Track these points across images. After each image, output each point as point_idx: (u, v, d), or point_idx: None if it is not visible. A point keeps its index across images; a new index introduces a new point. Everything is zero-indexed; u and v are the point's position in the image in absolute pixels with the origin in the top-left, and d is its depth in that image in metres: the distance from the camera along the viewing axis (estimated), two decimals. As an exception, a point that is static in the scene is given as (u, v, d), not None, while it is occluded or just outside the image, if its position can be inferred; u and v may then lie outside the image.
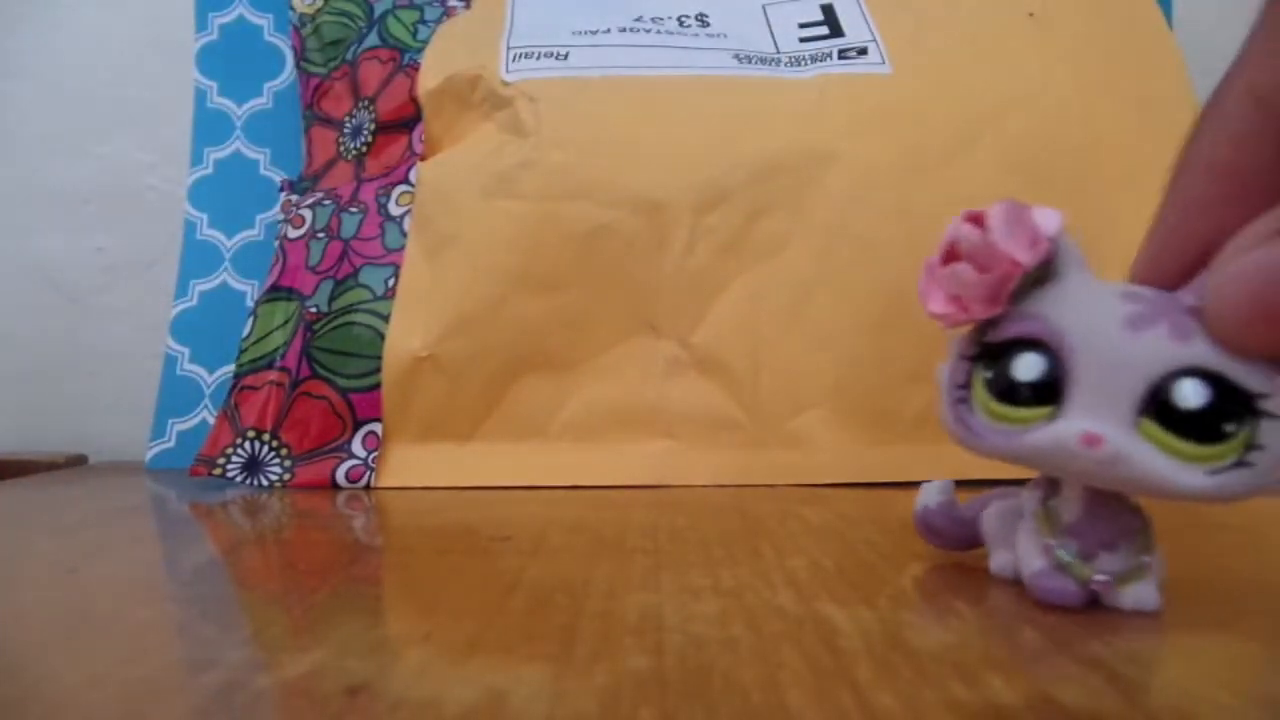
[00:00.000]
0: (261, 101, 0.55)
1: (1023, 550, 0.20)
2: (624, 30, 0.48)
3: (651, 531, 0.27)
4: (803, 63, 0.47)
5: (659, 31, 0.48)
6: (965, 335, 0.19)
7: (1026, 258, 0.17)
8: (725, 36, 0.48)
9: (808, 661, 0.15)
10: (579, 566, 0.23)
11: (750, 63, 0.46)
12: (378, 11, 0.52)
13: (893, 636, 0.17)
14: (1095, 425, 0.17)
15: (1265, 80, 0.17)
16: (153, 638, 0.18)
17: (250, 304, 0.50)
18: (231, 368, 0.45)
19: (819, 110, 0.44)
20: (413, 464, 0.41)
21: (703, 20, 0.49)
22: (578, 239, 0.41)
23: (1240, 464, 0.16)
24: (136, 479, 0.45)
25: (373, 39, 0.51)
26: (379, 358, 0.41)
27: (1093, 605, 0.19)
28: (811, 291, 0.41)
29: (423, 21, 0.52)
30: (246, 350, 0.45)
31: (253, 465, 0.41)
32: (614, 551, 0.25)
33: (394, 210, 0.46)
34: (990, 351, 0.19)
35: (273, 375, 0.43)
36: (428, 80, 0.47)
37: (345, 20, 0.53)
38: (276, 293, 0.46)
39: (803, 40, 0.48)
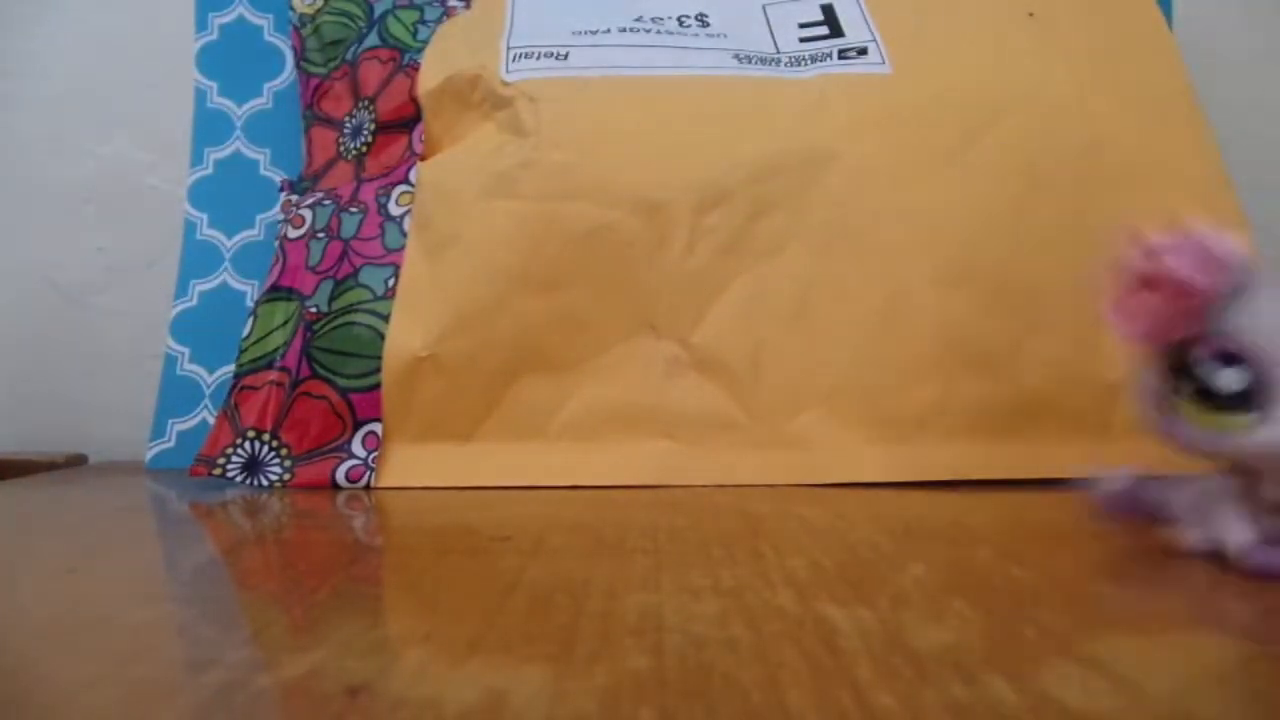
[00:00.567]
0: (261, 101, 0.55)
1: (1229, 527, 0.22)
2: (624, 30, 0.48)
3: (651, 531, 0.27)
4: (803, 63, 0.47)
5: (659, 31, 0.48)
6: (1162, 348, 0.23)
7: (1215, 284, 0.21)
8: (725, 36, 0.48)
9: (808, 661, 0.15)
10: (579, 566, 0.23)
11: (750, 63, 0.46)
12: (378, 11, 0.52)
13: (893, 636, 0.17)
14: None
15: None
16: (153, 638, 0.18)
17: (250, 304, 0.50)
18: (231, 368, 0.45)
19: (819, 110, 0.44)
20: (413, 464, 0.41)
21: (703, 20, 0.49)
22: (578, 239, 0.41)
23: None
24: (136, 479, 0.45)
25: (373, 39, 0.51)
26: (379, 358, 0.41)
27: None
28: (811, 291, 0.41)
29: (423, 21, 0.52)
30: (246, 350, 0.45)
31: (253, 465, 0.41)
32: (614, 551, 0.25)
33: (394, 210, 0.46)
34: (1187, 363, 0.22)
35: (273, 375, 0.43)
36: (428, 80, 0.47)
37: (345, 20, 0.53)
38: (276, 293, 0.46)
39: (803, 40, 0.48)
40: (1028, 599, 0.19)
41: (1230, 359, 0.21)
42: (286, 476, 0.41)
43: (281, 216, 0.49)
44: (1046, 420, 0.39)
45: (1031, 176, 0.42)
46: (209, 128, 0.54)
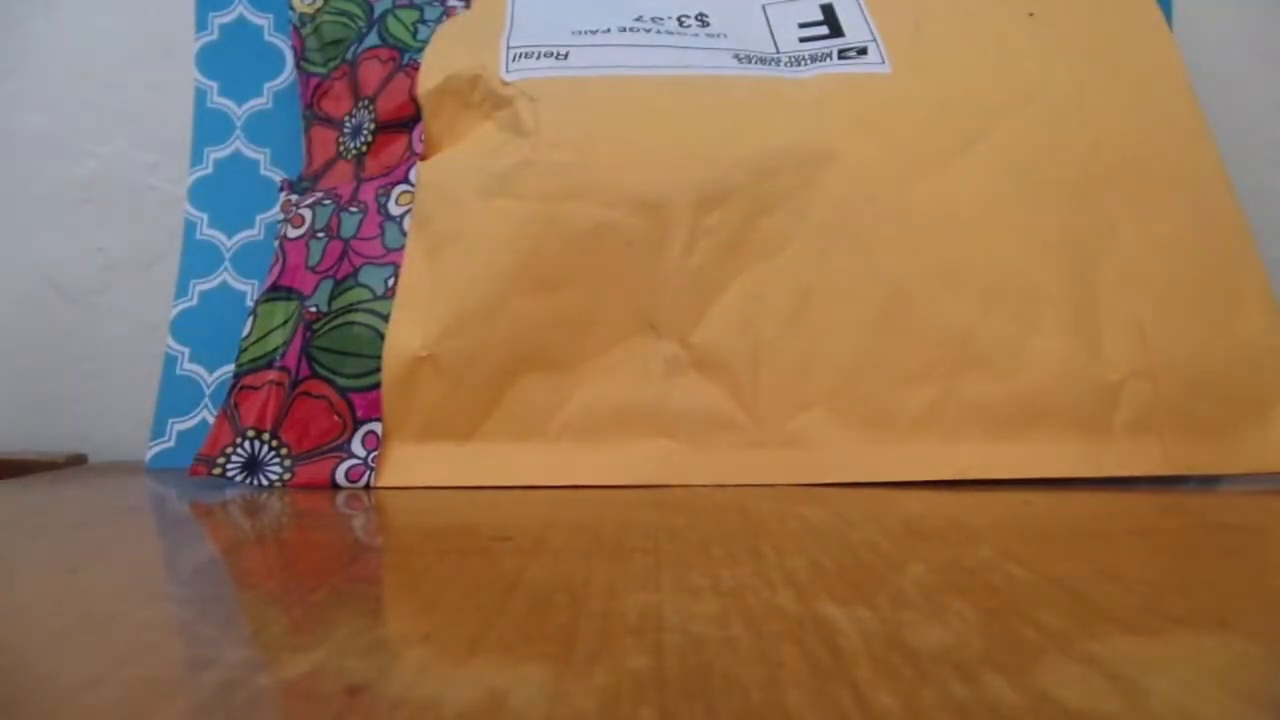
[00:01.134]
0: (261, 101, 0.55)
1: None
2: (624, 30, 0.48)
3: (651, 531, 0.27)
4: (803, 63, 0.47)
5: (659, 31, 0.48)
6: None
7: None
8: (725, 36, 0.48)
9: (808, 661, 0.15)
10: (579, 566, 0.23)
11: (750, 63, 0.46)
12: (378, 11, 0.52)
13: (893, 636, 0.17)
14: None
15: None
16: (153, 638, 0.18)
17: (250, 304, 0.50)
18: (231, 367, 0.45)
19: (819, 110, 0.44)
20: (413, 464, 0.41)
21: (703, 20, 0.49)
22: (578, 239, 0.41)
23: None
24: (136, 479, 0.45)
25: (373, 39, 0.51)
26: (379, 357, 0.41)
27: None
28: (811, 291, 0.41)
29: (423, 21, 0.52)
30: (246, 350, 0.45)
31: (252, 465, 0.41)
32: (614, 551, 0.25)
33: (394, 210, 0.46)
34: None
35: (272, 375, 0.43)
36: (427, 80, 0.47)
37: (345, 20, 0.53)
38: (276, 292, 0.46)
39: (803, 40, 0.48)
40: (1028, 599, 0.19)
41: None
42: (286, 476, 0.41)
43: (281, 216, 0.49)
44: (1046, 420, 0.40)
45: (1031, 176, 0.42)
46: (209, 128, 0.54)
